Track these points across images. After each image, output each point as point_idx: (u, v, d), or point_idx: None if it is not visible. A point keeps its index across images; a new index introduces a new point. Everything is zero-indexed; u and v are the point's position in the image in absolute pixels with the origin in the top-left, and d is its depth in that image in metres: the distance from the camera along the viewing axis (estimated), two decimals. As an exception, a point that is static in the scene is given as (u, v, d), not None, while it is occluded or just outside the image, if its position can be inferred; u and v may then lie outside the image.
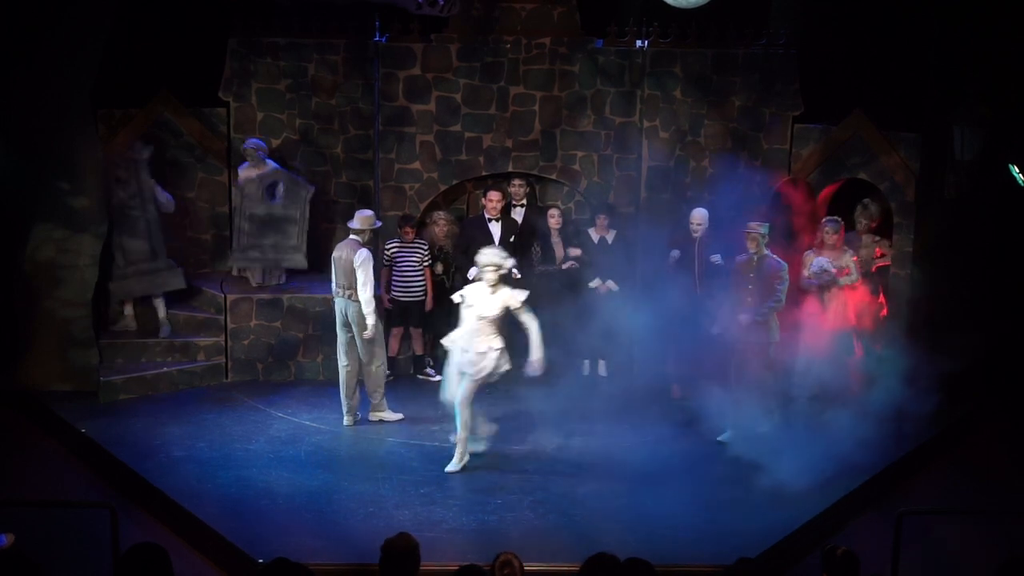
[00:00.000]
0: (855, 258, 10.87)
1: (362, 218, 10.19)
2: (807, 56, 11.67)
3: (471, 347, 9.26)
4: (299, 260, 11.72)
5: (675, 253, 10.96)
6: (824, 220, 10.90)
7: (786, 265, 10.06)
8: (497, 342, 9.27)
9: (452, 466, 9.27)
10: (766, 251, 9.98)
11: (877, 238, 11.41)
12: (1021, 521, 8.21)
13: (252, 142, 11.51)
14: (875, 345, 11.06)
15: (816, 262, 10.68)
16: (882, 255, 11.41)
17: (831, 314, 10.65)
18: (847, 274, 10.68)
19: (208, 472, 9.09)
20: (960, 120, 10.44)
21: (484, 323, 9.23)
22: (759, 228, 9.97)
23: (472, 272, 11.02)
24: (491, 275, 9.26)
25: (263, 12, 11.72)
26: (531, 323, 9.31)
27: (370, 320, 9.96)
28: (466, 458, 9.35)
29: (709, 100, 11.72)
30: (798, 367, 10.61)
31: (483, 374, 9.26)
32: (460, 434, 9.31)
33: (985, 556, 7.50)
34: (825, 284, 10.66)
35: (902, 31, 11.10)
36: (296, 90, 11.96)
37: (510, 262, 9.51)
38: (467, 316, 9.32)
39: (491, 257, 9.30)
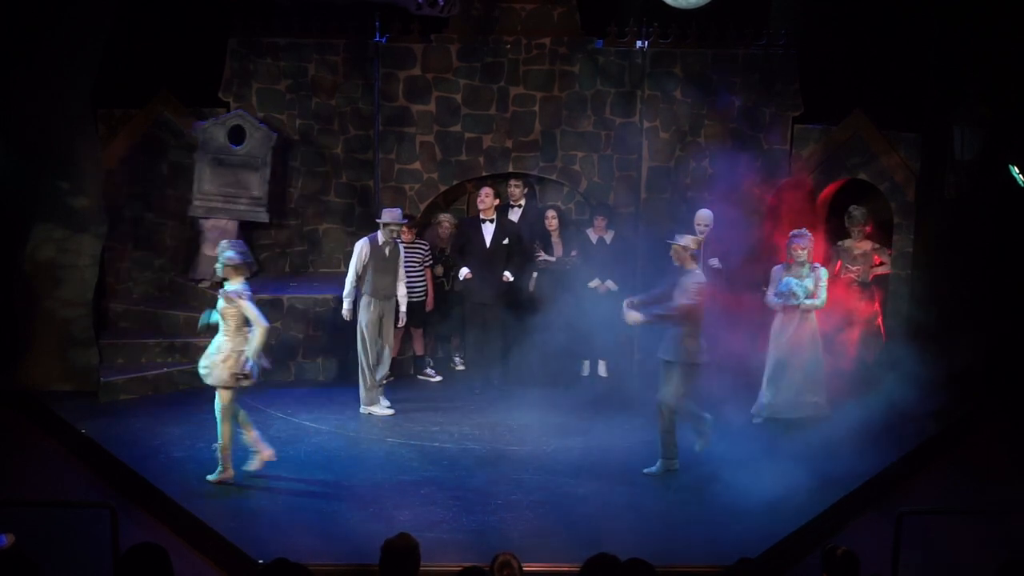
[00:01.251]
0: (853, 259, 10.76)
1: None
2: (807, 56, 11.68)
3: (216, 349, 8.61)
4: (261, 215, 11.67)
5: None
6: (791, 235, 10.18)
7: (704, 282, 9.08)
8: (240, 342, 8.56)
9: (212, 476, 8.73)
10: (694, 265, 9.06)
11: (877, 246, 11.20)
12: (1021, 521, 8.21)
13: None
14: (870, 351, 11.02)
15: (785, 282, 10.04)
16: (881, 263, 11.16)
17: (798, 330, 10.05)
18: (814, 298, 9.97)
19: (208, 472, 9.07)
20: (960, 120, 10.44)
21: (227, 321, 8.60)
22: (686, 241, 9.06)
23: (463, 272, 11.05)
24: (225, 270, 8.59)
25: (263, 12, 11.73)
26: (257, 324, 8.52)
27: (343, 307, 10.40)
28: (230, 472, 8.72)
29: (709, 100, 11.72)
30: (769, 384, 10.16)
31: (224, 377, 8.55)
32: (220, 443, 8.70)
33: (985, 556, 7.49)
34: (790, 305, 10.02)
35: (902, 31, 11.10)
36: (296, 90, 11.96)
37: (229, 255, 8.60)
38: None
39: (220, 250, 8.68)
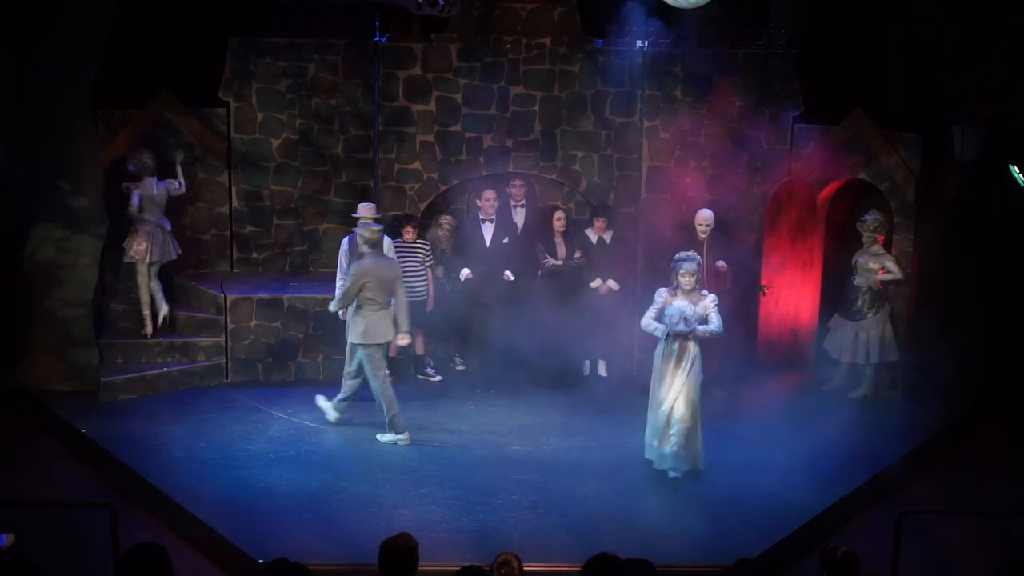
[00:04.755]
0: (863, 268, 10.71)
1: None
2: (807, 56, 11.67)
3: None
4: None
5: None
6: (677, 258, 9.03)
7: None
8: None
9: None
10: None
11: (882, 251, 11.06)
12: (1021, 521, 8.22)
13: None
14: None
15: (674, 308, 8.82)
16: (881, 270, 11.00)
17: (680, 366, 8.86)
18: (707, 322, 8.92)
19: (208, 472, 9.09)
20: (960, 120, 10.44)
21: None
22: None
23: (463, 273, 11.07)
24: None
25: (263, 12, 11.72)
26: None
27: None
28: None
29: (709, 100, 11.72)
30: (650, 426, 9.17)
31: None
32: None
33: (985, 556, 7.51)
34: (679, 334, 8.83)
35: (902, 31, 11.09)
36: (296, 90, 11.95)
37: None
38: None
39: None
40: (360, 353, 9.68)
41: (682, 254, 9.07)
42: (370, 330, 9.60)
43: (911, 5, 11.01)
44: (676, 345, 8.89)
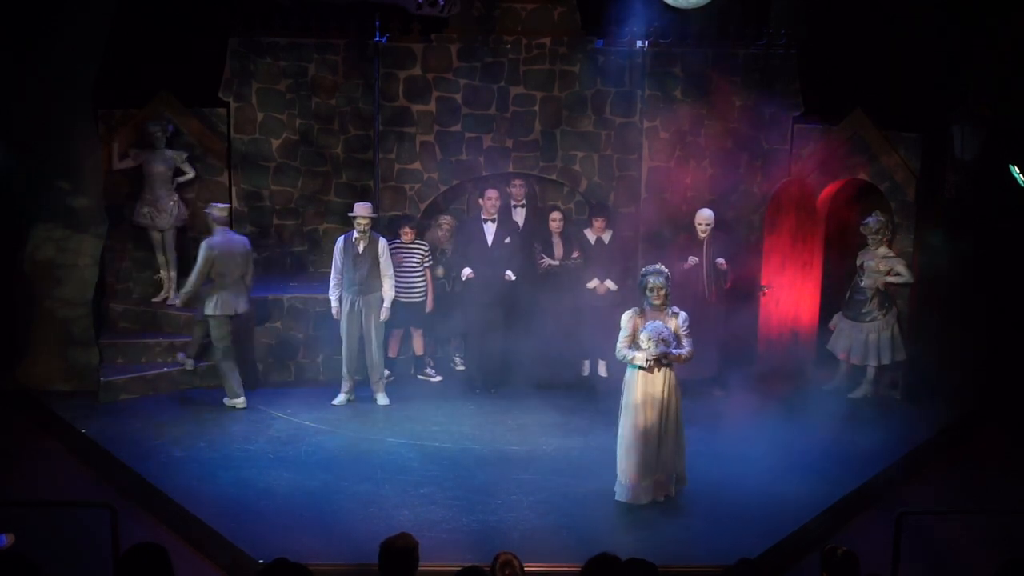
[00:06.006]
0: (869, 269, 10.72)
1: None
2: (807, 56, 11.67)
3: None
4: None
5: (693, 259, 10.88)
6: (645, 271, 8.44)
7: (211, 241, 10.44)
8: None
9: None
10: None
11: (891, 254, 11.08)
12: (1021, 521, 8.21)
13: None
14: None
15: (649, 330, 8.23)
16: (890, 272, 11.02)
17: (663, 390, 8.36)
18: (681, 346, 8.36)
19: (208, 472, 9.09)
20: (960, 120, 10.44)
21: None
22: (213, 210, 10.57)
23: (465, 272, 11.07)
24: None
25: (263, 12, 11.71)
26: None
27: None
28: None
29: (709, 100, 11.72)
30: (628, 460, 8.50)
31: None
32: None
33: (985, 556, 7.50)
34: (656, 359, 8.27)
35: (902, 31, 11.10)
36: (296, 90, 11.95)
37: None
38: None
39: None
40: (210, 324, 10.42)
41: (649, 267, 8.47)
42: (220, 302, 10.34)
43: (911, 5, 11.01)
44: (654, 371, 8.32)
